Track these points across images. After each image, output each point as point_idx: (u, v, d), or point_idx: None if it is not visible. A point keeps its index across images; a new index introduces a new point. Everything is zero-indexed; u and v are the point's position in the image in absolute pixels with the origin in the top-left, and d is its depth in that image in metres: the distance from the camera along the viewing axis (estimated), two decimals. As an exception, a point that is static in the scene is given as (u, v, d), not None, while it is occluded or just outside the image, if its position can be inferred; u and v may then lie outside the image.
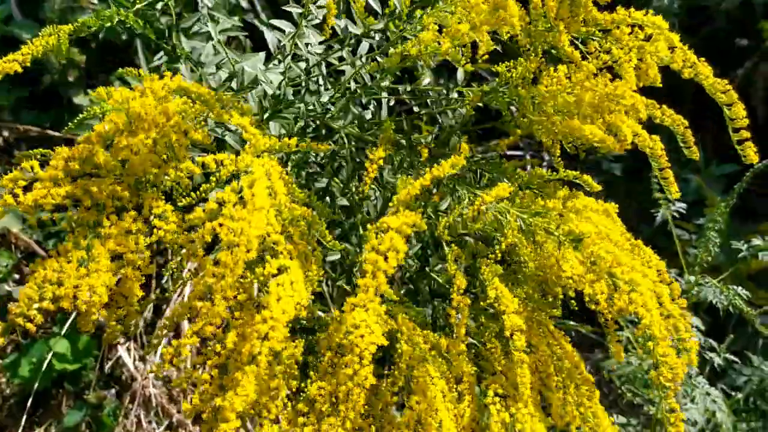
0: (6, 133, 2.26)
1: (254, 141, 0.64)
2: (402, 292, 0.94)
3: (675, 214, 1.85)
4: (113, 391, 2.21)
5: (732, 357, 1.87)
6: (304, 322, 0.79)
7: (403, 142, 0.83)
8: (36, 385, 2.06)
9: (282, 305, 0.56)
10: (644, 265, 0.83)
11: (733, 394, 2.05)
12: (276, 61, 1.12)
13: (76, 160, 0.59)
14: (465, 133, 1.02)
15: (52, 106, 2.33)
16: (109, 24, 0.88)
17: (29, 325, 0.53)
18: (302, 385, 0.71)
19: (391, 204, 0.67)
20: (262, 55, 1.34)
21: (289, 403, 0.68)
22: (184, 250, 0.66)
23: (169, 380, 2.28)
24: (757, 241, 1.81)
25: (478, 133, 1.00)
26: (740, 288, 1.73)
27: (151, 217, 0.65)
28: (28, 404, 2.02)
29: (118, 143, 0.60)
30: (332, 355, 0.72)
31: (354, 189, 0.80)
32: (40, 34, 0.77)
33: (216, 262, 0.54)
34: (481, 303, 0.78)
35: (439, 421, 0.70)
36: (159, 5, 1.21)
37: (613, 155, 2.74)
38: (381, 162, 0.72)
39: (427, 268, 0.95)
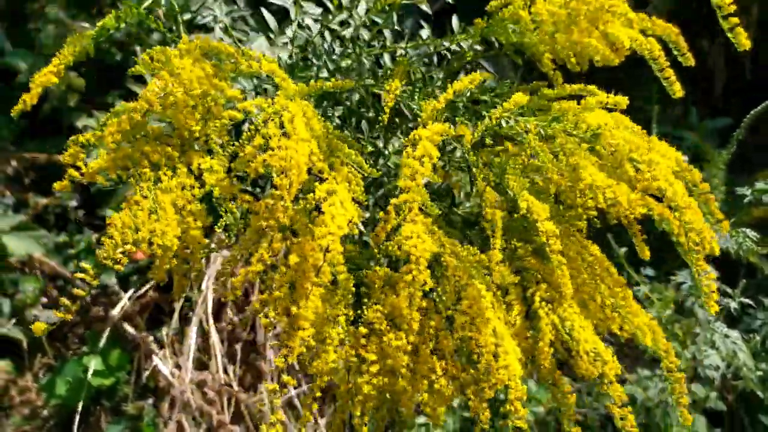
0: (14, 163, 2.31)
1: (285, 84, 0.69)
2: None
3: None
4: (150, 400, 2.26)
5: (749, 302, 1.92)
6: (355, 262, 0.84)
7: (418, 75, 0.88)
8: (76, 402, 2.11)
9: (337, 222, 0.61)
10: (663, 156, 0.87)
11: (748, 337, 2.10)
12: (282, 38, 1.17)
13: (137, 111, 0.64)
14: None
15: (54, 133, 2.38)
16: (123, 24, 0.91)
17: (118, 267, 0.58)
18: (359, 312, 0.76)
19: (419, 119, 0.73)
20: (263, 39, 1.39)
21: (350, 329, 0.73)
22: (234, 201, 0.71)
23: (205, 384, 2.33)
24: (760, 184, 1.85)
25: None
26: (749, 230, 1.78)
27: (200, 174, 0.70)
28: (75, 422, 2.06)
29: (166, 102, 0.65)
30: (381, 282, 0.78)
31: (379, 128, 0.85)
32: (65, 42, 0.81)
33: (273, 186, 0.59)
34: (514, 215, 0.83)
35: (493, 328, 0.75)
36: (163, 0, 1.25)
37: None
38: (398, 92, 0.77)
39: (454, 207, 1.00)
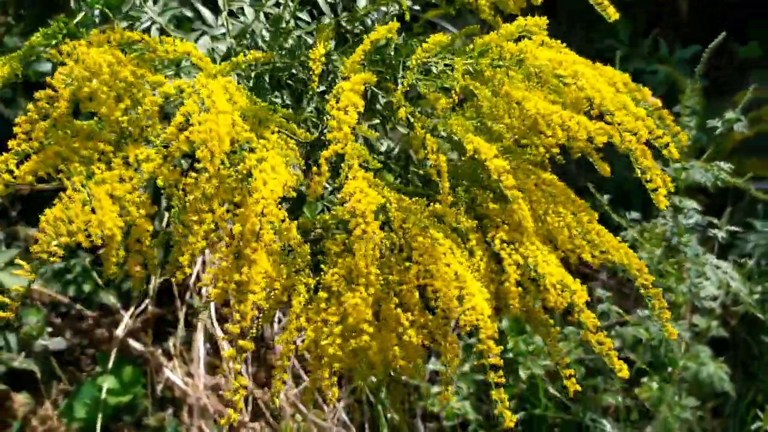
0: (-2, 198, 2.31)
1: (203, 65, 0.69)
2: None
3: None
4: (170, 410, 2.29)
5: (736, 229, 1.92)
6: (312, 235, 0.84)
7: (347, 35, 0.88)
8: (96, 423, 2.13)
9: (269, 186, 0.61)
10: (610, 85, 0.86)
11: (743, 261, 2.10)
12: (220, 30, 1.16)
13: (43, 99, 0.64)
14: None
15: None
16: (54, 41, 0.91)
17: (53, 259, 0.59)
18: (318, 278, 0.76)
19: (341, 72, 0.72)
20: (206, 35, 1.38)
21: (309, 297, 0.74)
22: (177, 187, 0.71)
23: (219, 388, 2.35)
24: (730, 114, 1.84)
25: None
26: (723, 162, 1.77)
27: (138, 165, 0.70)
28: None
29: (81, 93, 0.65)
30: (337, 248, 0.78)
31: (312, 96, 0.85)
32: None
33: (198, 161, 0.59)
34: (460, 162, 0.83)
35: (454, 272, 0.75)
36: (96, 12, 1.25)
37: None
38: (323, 59, 0.77)
39: (411, 167, 1.00)
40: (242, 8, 1.08)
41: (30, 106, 0.65)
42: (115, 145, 0.71)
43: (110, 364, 2.24)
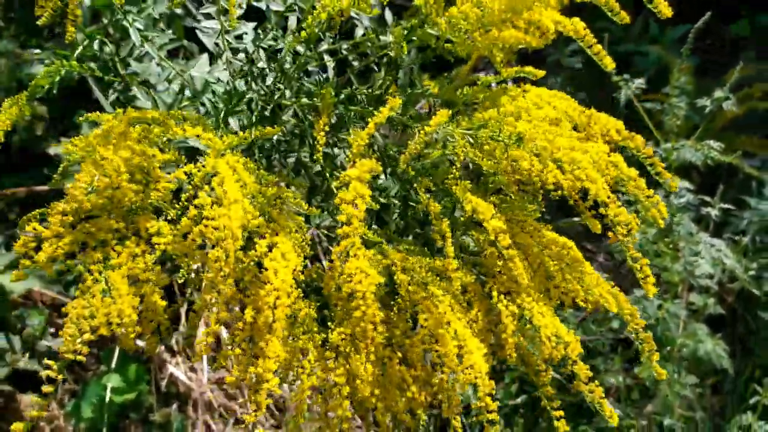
0: (-4, 203, 2.33)
1: (212, 144, 0.72)
2: (394, 232, 1.02)
3: (637, 90, 1.88)
4: (175, 406, 2.34)
5: (729, 206, 1.94)
6: (314, 283, 0.87)
7: (354, 96, 0.90)
8: (103, 421, 2.18)
9: (280, 276, 0.64)
10: (604, 134, 0.90)
11: (738, 238, 2.13)
12: (219, 62, 1.18)
13: (69, 213, 0.67)
14: (422, 69, 1.07)
15: (28, 164, 2.39)
16: (58, 78, 0.94)
17: (80, 357, 0.62)
18: (325, 336, 0.79)
19: (346, 159, 0.75)
20: (205, 58, 1.40)
21: (318, 353, 0.77)
22: (188, 257, 0.74)
23: (223, 381, 2.40)
24: (718, 93, 1.85)
25: (430, 67, 1.06)
26: (713, 141, 1.79)
27: (150, 238, 0.73)
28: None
29: (97, 187, 0.68)
30: (343, 303, 0.81)
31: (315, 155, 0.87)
32: (1, 109, 0.84)
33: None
34: (461, 219, 0.86)
35: (454, 330, 0.78)
36: (95, 44, 1.26)
37: (570, 50, 2.77)
38: (326, 128, 0.79)
39: (410, 203, 1.02)
40: (246, 48, 1.09)
41: (53, 219, 0.67)
42: (125, 219, 0.74)
43: (114, 363, 2.28)
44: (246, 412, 2.39)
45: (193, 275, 0.79)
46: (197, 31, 1.24)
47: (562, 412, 0.88)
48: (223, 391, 2.43)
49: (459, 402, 0.79)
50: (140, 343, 2.36)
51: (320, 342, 0.79)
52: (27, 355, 2.25)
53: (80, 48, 1.21)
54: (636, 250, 1.87)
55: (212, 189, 0.67)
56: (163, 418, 2.33)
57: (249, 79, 1.09)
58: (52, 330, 2.31)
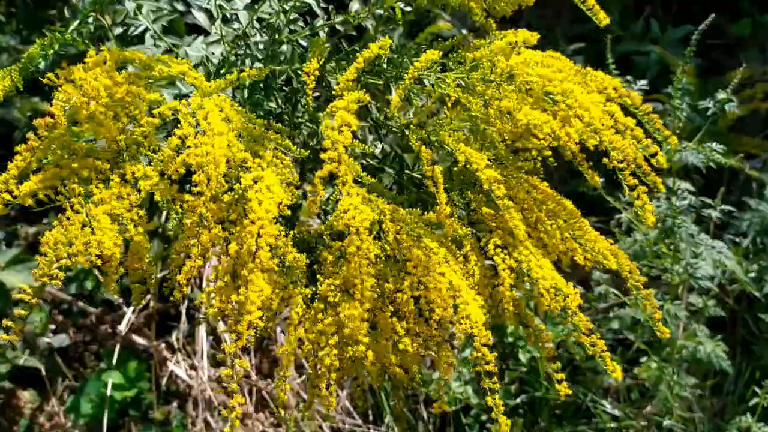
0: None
1: (198, 83, 0.70)
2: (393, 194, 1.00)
3: (639, 91, 1.87)
4: (174, 404, 2.31)
5: (730, 208, 1.93)
6: (306, 244, 0.86)
7: (341, 48, 0.89)
8: (105, 418, 2.16)
9: (264, 206, 0.63)
10: (600, 90, 0.88)
11: (738, 240, 2.11)
12: (214, 34, 1.17)
13: (51, 141, 0.65)
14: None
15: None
16: (51, 51, 0.92)
17: (55, 282, 0.60)
18: (315, 289, 0.78)
19: (334, 91, 0.73)
20: (201, 37, 1.39)
21: (307, 306, 0.75)
22: (175, 203, 0.73)
23: (222, 380, 2.37)
24: (721, 95, 1.84)
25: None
26: (715, 144, 1.78)
27: (135, 182, 0.72)
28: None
29: (79, 115, 0.66)
30: (333, 257, 0.79)
31: (307, 108, 0.86)
32: None
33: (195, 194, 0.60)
34: (454, 169, 0.84)
35: (449, 281, 0.76)
36: (90, 19, 1.26)
37: (572, 49, 2.77)
38: (316, 73, 0.78)
39: (406, 170, 1.01)
40: (236, 14, 1.09)
41: (30, 134, 0.66)
42: (112, 162, 0.73)
43: (115, 360, 2.27)
44: (246, 409, 2.37)
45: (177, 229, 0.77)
46: (192, 10, 1.24)
47: (563, 375, 0.85)
48: (224, 389, 2.41)
49: (452, 354, 0.77)
50: (139, 340, 2.34)
51: (309, 295, 0.77)
52: (27, 352, 2.23)
53: (75, 23, 1.20)
54: (636, 251, 1.85)
55: (197, 124, 0.65)
56: (162, 415, 2.30)
57: (243, 50, 1.08)
58: (52, 327, 2.30)
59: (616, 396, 2.04)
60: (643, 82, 1.90)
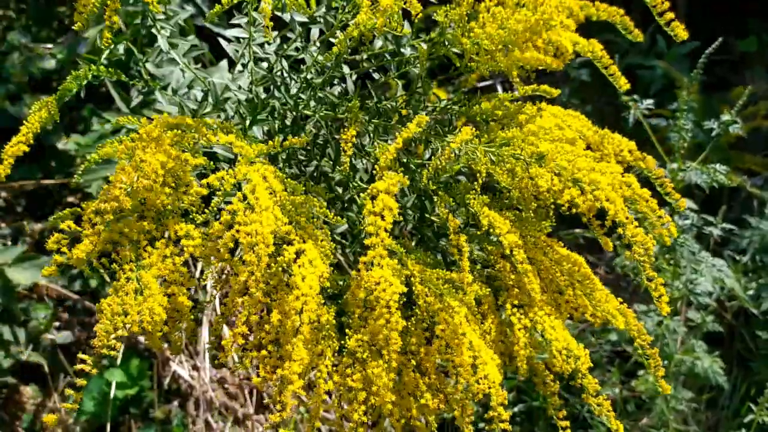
0: (4, 194, 2.35)
1: (244, 152, 0.74)
2: (413, 243, 1.04)
3: (645, 110, 1.91)
4: (176, 403, 2.36)
5: (731, 226, 1.97)
6: (330, 290, 0.90)
7: (373, 107, 0.93)
8: (105, 415, 2.20)
9: (307, 282, 0.67)
10: (615, 154, 0.93)
11: (738, 257, 2.16)
12: (240, 66, 1.20)
13: (108, 212, 0.69)
14: (429, 75, 1.10)
15: (37, 157, 2.41)
16: (85, 81, 0.96)
17: (112, 353, 0.64)
18: (343, 342, 0.82)
19: (374, 171, 0.77)
20: (224, 63, 1.42)
21: (336, 360, 0.79)
22: (213, 259, 0.77)
23: (225, 381, 2.42)
24: (725, 116, 1.88)
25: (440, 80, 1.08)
26: (719, 164, 1.82)
27: (178, 240, 0.76)
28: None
29: (136, 188, 0.70)
30: (361, 311, 0.83)
31: (341, 165, 0.89)
32: (31, 110, 0.86)
33: (243, 263, 0.64)
34: (477, 232, 0.88)
35: (469, 342, 0.81)
36: (121, 48, 1.29)
37: (579, 62, 2.81)
38: (354, 140, 0.82)
39: (426, 215, 1.05)
40: (268, 57, 1.12)
41: (93, 215, 0.70)
42: (156, 221, 0.76)
43: (118, 359, 2.30)
44: (246, 411, 2.41)
45: (215, 280, 0.82)
46: (220, 39, 1.27)
47: (567, 423, 0.90)
48: (224, 390, 2.45)
49: (473, 410, 0.82)
50: (142, 339, 2.38)
51: (337, 348, 0.81)
52: (31, 347, 2.27)
53: (106, 53, 1.23)
54: (635, 265, 1.88)
55: (244, 197, 0.69)
56: (163, 414, 2.35)
57: (271, 87, 1.12)
58: (57, 324, 2.33)
59: (613, 408, 2.09)
60: (650, 101, 1.94)
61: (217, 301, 2.47)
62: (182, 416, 2.34)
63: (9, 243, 2.36)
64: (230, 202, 0.69)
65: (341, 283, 0.86)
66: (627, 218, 0.78)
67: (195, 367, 2.41)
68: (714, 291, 1.94)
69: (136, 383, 2.34)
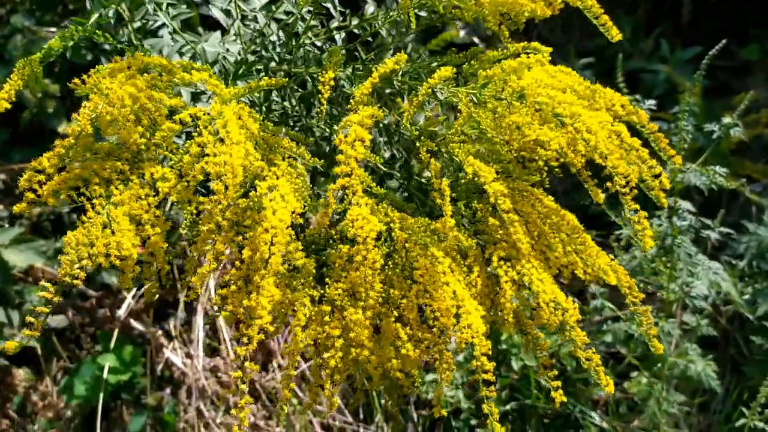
0: (3, 176, 2.34)
1: (218, 90, 0.72)
2: (401, 201, 1.02)
3: (647, 111, 1.89)
4: (168, 390, 2.34)
5: (728, 230, 1.96)
6: (314, 245, 0.88)
7: (359, 65, 0.91)
8: (96, 400, 2.18)
9: (278, 215, 0.65)
10: (608, 108, 0.90)
11: (735, 262, 2.14)
12: (232, 36, 1.19)
13: (71, 136, 0.67)
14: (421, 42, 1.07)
15: (37, 141, 2.41)
16: (72, 42, 0.94)
17: (76, 282, 0.62)
18: (323, 292, 0.80)
19: (349, 105, 0.76)
20: (218, 33, 1.41)
21: (314, 308, 0.77)
22: (191, 204, 0.75)
23: (218, 370, 2.40)
24: (727, 119, 1.87)
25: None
26: (719, 167, 1.80)
27: (154, 183, 0.74)
28: (98, 418, 2.14)
29: (101, 115, 0.68)
30: (341, 261, 0.81)
31: (321, 116, 0.88)
32: (14, 68, 0.84)
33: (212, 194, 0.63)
34: (465, 186, 0.86)
35: (453, 291, 0.78)
36: (111, 12, 1.28)
37: (582, 63, 2.79)
38: (332, 83, 0.80)
39: (414, 177, 1.03)
40: (255, 15, 1.10)
41: (57, 141, 0.68)
42: (131, 163, 0.75)
43: (111, 344, 2.29)
44: (239, 400, 2.38)
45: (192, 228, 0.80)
46: (209, 5, 1.26)
47: (559, 383, 0.88)
48: (217, 378, 2.43)
49: (452, 360, 0.79)
50: (136, 325, 2.36)
51: (317, 297, 0.79)
52: (24, 330, 2.25)
53: (95, 16, 1.22)
54: (634, 267, 1.86)
55: (216, 132, 0.67)
56: (155, 401, 2.33)
57: (260, 49, 1.10)
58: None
59: (605, 408, 2.07)
60: (651, 102, 1.92)
61: (212, 290, 2.45)
62: (174, 404, 2.32)
63: (6, 225, 2.35)
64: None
65: (319, 235, 0.84)
66: (608, 149, 0.75)
67: (188, 355, 2.39)
68: (710, 295, 1.92)
69: (129, 369, 2.32)
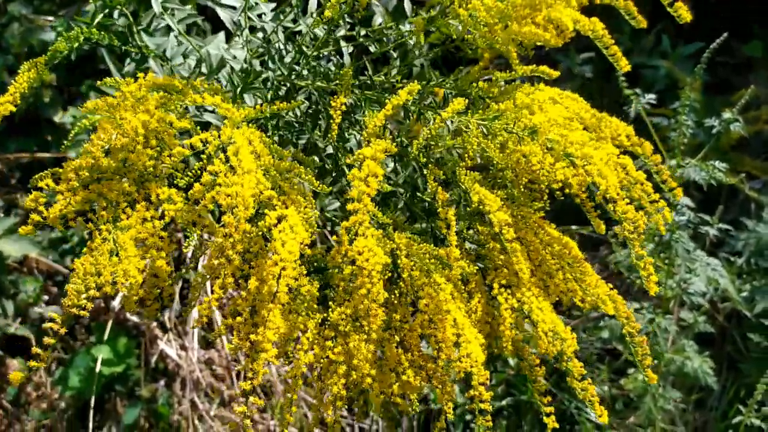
0: (-1, 166, 2.33)
1: (230, 114, 0.72)
2: (404, 221, 1.02)
3: (647, 105, 1.89)
4: (162, 382, 2.34)
5: (727, 227, 1.96)
6: (316, 263, 0.88)
7: (368, 82, 0.91)
8: (90, 391, 2.19)
9: (287, 247, 0.65)
10: (614, 138, 0.91)
11: (733, 259, 2.15)
12: (236, 38, 1.18)
13: (84, 169, 0.67)
14: (433, 66, 1.09)
15: (33, 130, 2.39)
16: (76, 44, 0.93)
17: (83, 313, 0.62)
18: (326, 315, 0.80)
19: (362, 137, 0.75)
20: (221, 35, 1.40)
21: (317, 331, 0.78)
22: (195, 226, 0.75)
23: (212, 362, 2.40)
24: (727, 114, 1.87)
25: (445, 63, 1.07)
26: (718, 162, 1.81)
27: (160, 204, 0.74)
28: (91, 410, 2.15)
29: (114, 146, 0.68)
30: (345, 284, 0.81)
31: (330, 133, 0.87)
32: (19, 70, 0.84)
33: (223, 226, 0.62)
34: (467, 209, 0.87)
35: (453, 319, 0.79)
36: (115, 13, 1.27)
37: (582, 58, 2.79)
38: (344, 108, 0.80)
39: (418, 193, 1.03)
40: (263, 25, 1.10)
41: (71, 174, 0.68)
42: (137, 183, 0.74)
43: (105, 335, 2.29)
44: (233, 392, 2.40)
45: (197, 247, 0.80)
46: (216, 8, 1.25)
47: (552, 408, 0.89)
48: (212, 371, 2.44)
49: (453, 388, 0.80)
50: (132, 317, 2.36)
51: (320, 320, 0.80)
52: (19, 320, 2.25)
53: (99, 16, 1.21)
54: (631, 263, 1.87)
55: (227, 159, 0.67)
56: (149, 393, 2.33)
57: (266, 58, 1.10)
58: (45, 297, 2.31)
59: (601, 405, 2.08)
60: (651, 96, 1.92)
61: (208, 283, 2.45)
62: (168, 395, 2.32)
63: (1, 215, 2.34)
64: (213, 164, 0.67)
65: (328, 254, 0.84)
66: (618, 194, 0.76)
67: (183, 347, 2.39)
68: (707, 291, 1.93)
69: (123, 361, 2.32)
